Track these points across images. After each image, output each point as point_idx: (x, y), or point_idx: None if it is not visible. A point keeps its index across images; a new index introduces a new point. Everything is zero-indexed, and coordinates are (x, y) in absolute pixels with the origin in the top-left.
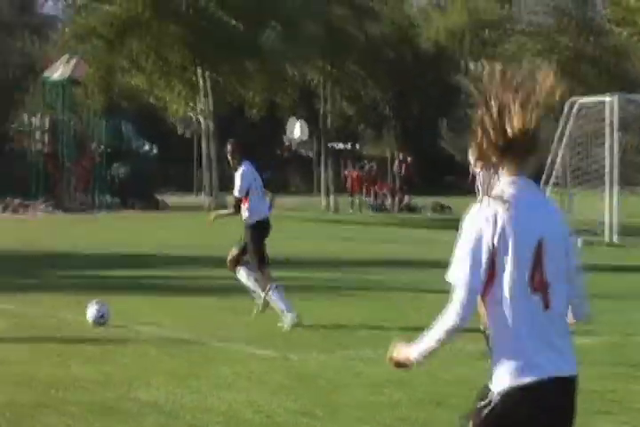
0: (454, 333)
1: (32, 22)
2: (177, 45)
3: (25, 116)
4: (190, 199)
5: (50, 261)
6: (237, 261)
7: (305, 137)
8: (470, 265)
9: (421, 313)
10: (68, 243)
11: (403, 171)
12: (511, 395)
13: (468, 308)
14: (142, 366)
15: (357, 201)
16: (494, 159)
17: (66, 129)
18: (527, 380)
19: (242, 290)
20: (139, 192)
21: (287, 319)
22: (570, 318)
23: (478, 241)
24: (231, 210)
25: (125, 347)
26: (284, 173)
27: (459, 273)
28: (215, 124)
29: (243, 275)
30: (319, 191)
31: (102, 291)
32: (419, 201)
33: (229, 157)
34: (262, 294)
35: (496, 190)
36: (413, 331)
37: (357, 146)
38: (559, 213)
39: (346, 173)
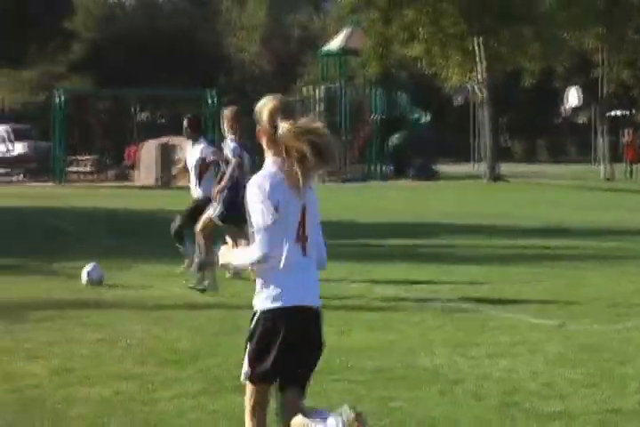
0: (257, 263)
1: None
2: (453, 15)
3: (304, 89)
4: (466, 168)
5: (325, 229)
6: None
7: (580, 104)
8: (265, 217)
9: None
10: (345, 212)
11: None
12: (269, 313)
13: (269, 246)
14: (423, 334)
15: (634, 169)
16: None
17: (342, 99)
18: (280, 304)
19: (519, 258)
20: (414, 161)
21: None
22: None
23: (267, 201)
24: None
25: (406, 315)
26: (559, 141)
27: (259, 221)
28: (490, 93)
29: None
30: (595, 159)
31: (379, 259)
32: None
33: (185, 133)
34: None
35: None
36: None
37: (634, 112)
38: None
39: (623, 140)
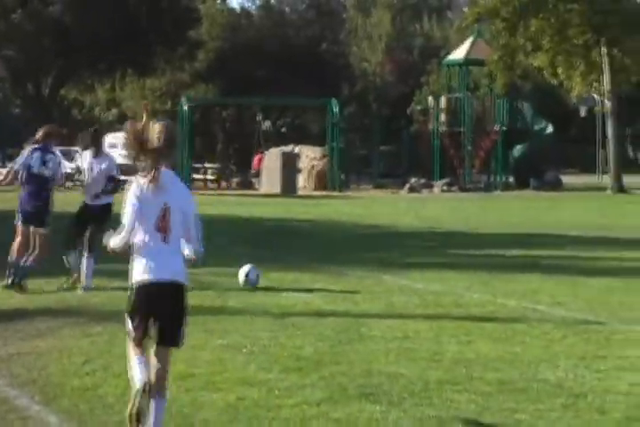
0: (120, 246)
1: (433, 5)
2: (579, 24)
3: (428, 98)
4: (591, 180)
5: (448, 239)
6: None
7: None
8: (130, 213)
9: None
10: (465, 222)
11: None
12: (139, 285)
13: (127, 236)
14: (547, 346)
15: None
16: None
17: (465, 109)
18: (146, 278)
19: (633, 271)
20: (535, 172)
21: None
22: (189, 254)
23: (134, 201)
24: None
25: (529, 327)
26: None
27: (125, 218)
28: (615, 104)
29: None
30: None
31: (501, 270)
32: None
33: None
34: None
35: (144, 172)
36: None
37: None
38: (184, 189)
39: None
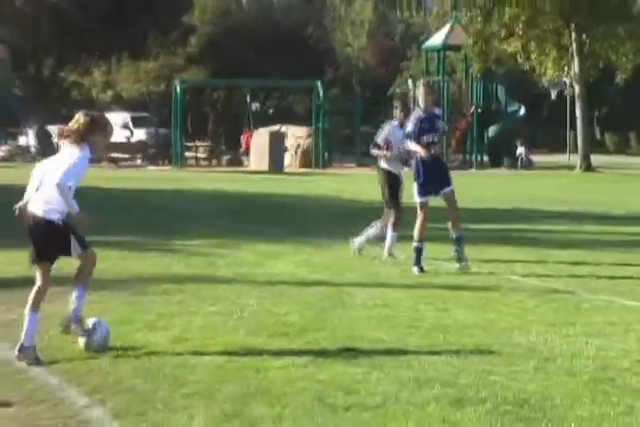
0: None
1: None
2: (552, 11)
3: (408, 81)
4: (561, 159)
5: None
6: None
7: None
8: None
9: None
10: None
11: None
12: None
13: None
14: (520, 313)
15: None
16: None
17: (443, 92)
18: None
19: (611, 244)
20: (508, 152)
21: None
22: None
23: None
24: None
25: (504, 296)
26: None
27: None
28: (584, 88)
29: None
30: None
31: (477, 242)
32: None
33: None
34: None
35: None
36: None
37: None
38: (59, 162)
39: None
